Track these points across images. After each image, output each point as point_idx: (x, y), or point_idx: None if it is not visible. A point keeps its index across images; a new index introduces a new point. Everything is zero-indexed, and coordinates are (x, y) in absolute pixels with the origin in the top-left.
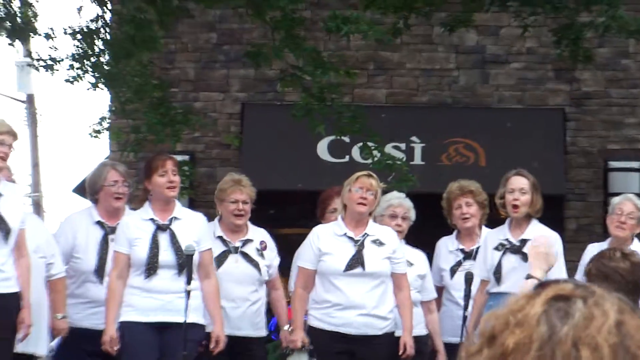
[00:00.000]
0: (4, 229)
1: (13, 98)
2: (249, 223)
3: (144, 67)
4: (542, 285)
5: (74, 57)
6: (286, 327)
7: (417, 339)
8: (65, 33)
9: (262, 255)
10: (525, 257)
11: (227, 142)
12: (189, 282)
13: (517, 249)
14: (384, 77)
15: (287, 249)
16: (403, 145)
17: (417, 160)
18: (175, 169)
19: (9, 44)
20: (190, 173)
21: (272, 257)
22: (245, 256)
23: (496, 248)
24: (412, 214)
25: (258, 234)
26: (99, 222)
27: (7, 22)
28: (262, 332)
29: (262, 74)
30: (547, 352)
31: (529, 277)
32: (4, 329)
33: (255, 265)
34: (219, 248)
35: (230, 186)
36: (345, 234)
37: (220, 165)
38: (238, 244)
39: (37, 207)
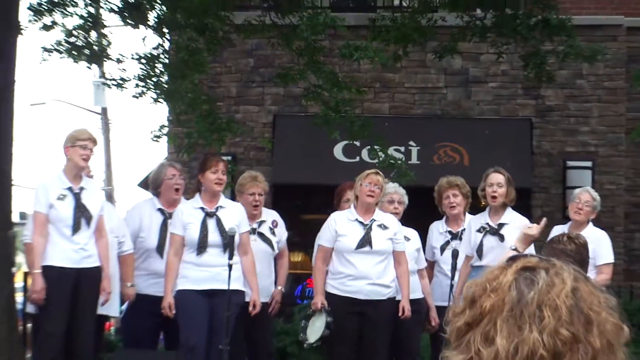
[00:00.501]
0: (86, 215)
1: (90, 110)
2: (262, 208)
3: (195, 86)
4: (513, 259)
5: (139, 78)
6: (280, 287)
7: (415, 302)
8: (132, 58)
9: (274, 233)
10: (501, 238)
11: (262, 145)
12: (231, 258)
13: (495, 231)
14: (387, 94)
15: (310, 231)
16: (402, 148)
17: (414, 160)
18: (225, 169)
19: (87, 67)
20: (232, 170)
21: (281, 233)
22: (261, 236)
23: (478, 230)
24: (406, 199)
25: (270, 215)
26: (159, 209)
27: (86, 49)
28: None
29: (290, 92)
30: (517, 313)
31: (513, 249)
32: (90, 295)
33: (269, 243)
34: None
35: (248, 181)
36: (356, 219)
37: (256, 164)
38: (255, 225)
39: (110, 198)
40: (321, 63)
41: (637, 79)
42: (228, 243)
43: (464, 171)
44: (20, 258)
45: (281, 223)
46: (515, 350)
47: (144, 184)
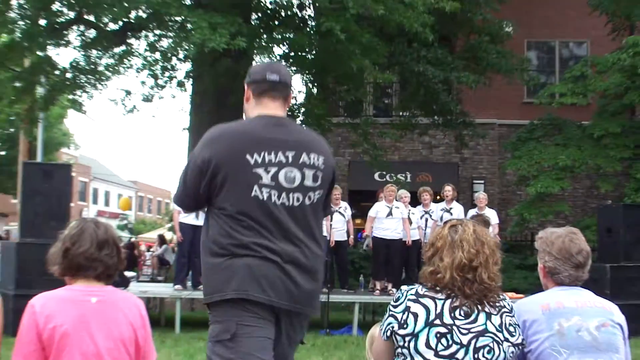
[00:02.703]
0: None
1: None
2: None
3: None
4: (446, 222)
5: None
6: (352, 236)
7: (414, 241)
8: None
9: (345, 211)
10: (451, 214)
11: (344, 173)
12: (331, 220)
13: (448, 211)
14: (397, 152)
15: (365, 210)
16: (404, 175)
17: (408, 179)
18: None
19: None
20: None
21: (348, 212)
22: (339, 213)
23: (441, 210)
24: (409, 196)
25: (343, 204)
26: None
27: None
28: (345, 238)
29: (356, 151)
30: (452, 246)
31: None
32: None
33: (343, 215)
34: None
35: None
36: (386, 205)
37: (341, 182)
38: (336, 208)
39: None
40: (369, 138)
41: (505, 145)
42: (330, 215)
43: (430, 184)
44: None
45: (348, 207)
46: (452, 261)
47: None
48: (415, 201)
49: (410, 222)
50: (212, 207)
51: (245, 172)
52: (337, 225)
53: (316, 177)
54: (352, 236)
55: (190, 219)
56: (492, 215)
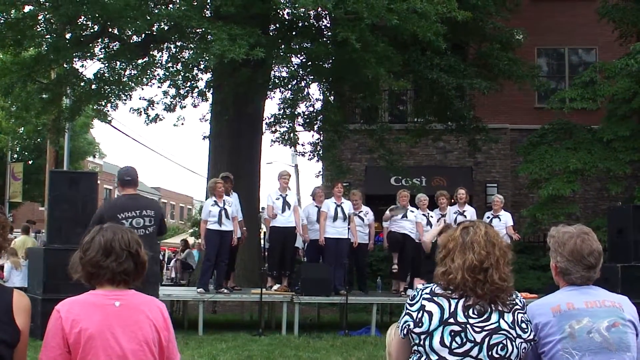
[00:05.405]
0: (288, 205)
1: (289, 165)
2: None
3: (334, 155)
4: (459, 224)
5: (310, 151)
6: (371, 241)
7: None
8: (308, 143)
9: (365, 215)
10: (464, 216)
11: (361, 178)
12: (349, 224)
13: (461, 213)
14: (412, 157)
15: (381, 213)
16: (419, 179)
17: (424, 183)
18: (342, 187)
19: (290, 147)
20: (347, 191)
21: (370, 216)
22: (359, 217)
23: (454, 213)
24: (427, 199)
25: (365, 208)
26: (316, 206)
27: (290, 140)
28: (366, 241)
29: (372, 156)
30: (463, 247)
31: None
32: (292, 238)
33: (362, 219)
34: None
35: (351, 193)
36: (403, 207)
37: (359, 186)
38: (357, 212)
39: (298, 202)
40: (385, 143)
41: (518, 150)
42: (347, 217)
43: (445, 188)
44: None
45: (370, 212)
46: (464, 262)
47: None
48: (432, 205)
49: (431, 225)
50: None
51: (116, 221)
52: (357, 228)
53: (150, 220)
54: (372, 240)
55: (216, 225)
56: (507, 217)
